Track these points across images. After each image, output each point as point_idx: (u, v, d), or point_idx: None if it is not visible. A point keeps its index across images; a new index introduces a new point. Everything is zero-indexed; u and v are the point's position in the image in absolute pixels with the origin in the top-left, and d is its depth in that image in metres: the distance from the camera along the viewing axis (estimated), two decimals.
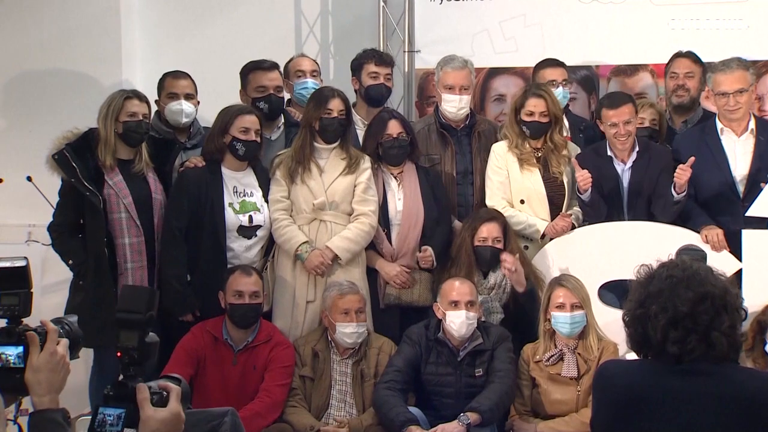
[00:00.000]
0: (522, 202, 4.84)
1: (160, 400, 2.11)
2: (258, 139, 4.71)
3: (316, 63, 5.50)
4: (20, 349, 2.10)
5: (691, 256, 3.50)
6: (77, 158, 4.50)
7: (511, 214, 4.81)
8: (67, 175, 4.51)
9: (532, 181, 4.83)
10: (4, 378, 2.10)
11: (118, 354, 2.13)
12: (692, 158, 4.57)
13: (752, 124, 4.73)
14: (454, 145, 5.02)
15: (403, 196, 4.84)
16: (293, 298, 4.72)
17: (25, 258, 2.20)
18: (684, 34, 5.53)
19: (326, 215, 4.74)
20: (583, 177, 4.62)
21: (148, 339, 2.14)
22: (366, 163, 4.79)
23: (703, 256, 3.58)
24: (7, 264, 2.17)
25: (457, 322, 4.40)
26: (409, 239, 4.81)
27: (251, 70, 5.09)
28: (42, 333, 2.10)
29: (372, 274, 4.82)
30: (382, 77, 5.22)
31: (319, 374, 4.52)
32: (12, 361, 2.10)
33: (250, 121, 4.68)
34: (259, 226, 4.72)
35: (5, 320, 2.16)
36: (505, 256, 4.56)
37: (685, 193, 4.60)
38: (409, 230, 4.81)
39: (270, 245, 4.78)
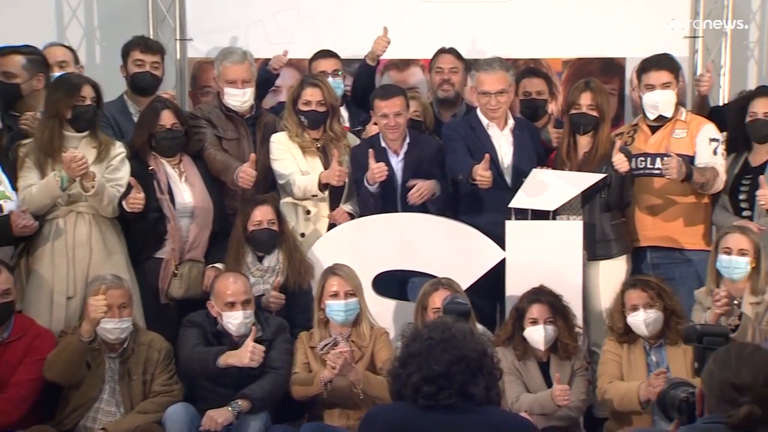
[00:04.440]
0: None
1: None
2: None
3: (72, 51, 5.27)
4: None
5: (455, 309, 3.64)
6: None
7: (300, 182, 4.84)
8: None
9: (314, 170, 4.86)
10: None
11: None
12: (371, 151, 4.71)
13: (511, 121, 4.96)
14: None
15: (190, 188, 4.78)
16: (51, 294, 4.51)
17: None
18: (452, 30, 5.73)
19: (81, 206, 4.56)
20: (380, 169, 4.68)
21: None
22: (118, 148, 4.68)
23: (467, 310, 3.75)
24: None
25: (235, 323, 4.36)
26: (203, 232, 4.76)
27: None
28: None
29: (140, 267, 4.71)
30: (148, 65, 5.14)
31: (93, 369, 4.33)
32: None
33: None
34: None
35: None
36: None
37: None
38: (203, 223, 4.76)
39: (21, 239, 4.51)
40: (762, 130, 4.85)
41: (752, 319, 4.26)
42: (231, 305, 4.35)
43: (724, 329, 3.09)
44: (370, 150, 4.75)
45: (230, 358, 4.22)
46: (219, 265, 4.72)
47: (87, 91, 4.58)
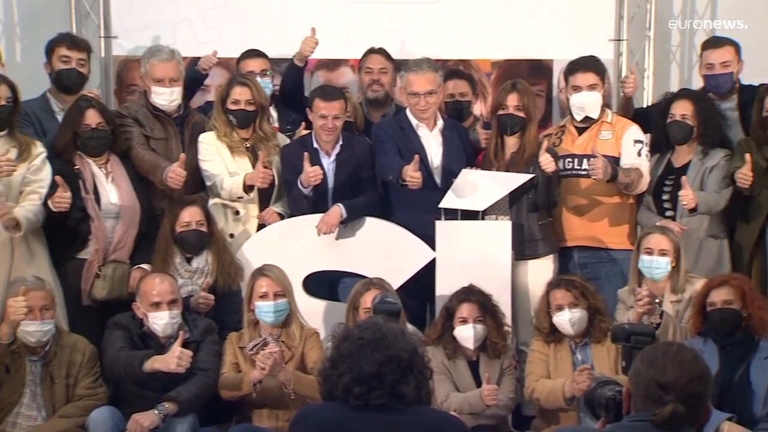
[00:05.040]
0: None
1: None
2: None
3: None
4: None
5: (385, 308, 3.66)
6: None
7: (226, 185, 4.80)
8: None
9: (243, 170, 4.82)
10: None
11: None
12: (306, 154, 4.72)
13: (440, 121, 4.99)
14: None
15: (117, 188, 4.71)
16: None
17: None
18: (382, 31, 5.73)
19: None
20: (315, 172, 4.67)
21: None
22: (39, 148, 4.60)
23: (396, 310, 3.77)
24: None
25: (161, 323, 4.30)
26: (129, 233, 4.70)
27: None
28: None
29: (62, 268, 4.62)
30: (74, 62, 5.06)
31: (13, 372, 4.21)
32: None
33: None
34: None
35: None
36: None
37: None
38: (129, 223, 4.70)
39: None
40: (679, 132, 4.97)
41: (673, 317, 4.35)
42: (157, 305, 4.29)
43: (651, 329, 3.15)
44: (306, 153, 4.73)
45: (156, 363, 4.15)
46: (145, 266, 4.66)
47: (3, 91, 4.50)
